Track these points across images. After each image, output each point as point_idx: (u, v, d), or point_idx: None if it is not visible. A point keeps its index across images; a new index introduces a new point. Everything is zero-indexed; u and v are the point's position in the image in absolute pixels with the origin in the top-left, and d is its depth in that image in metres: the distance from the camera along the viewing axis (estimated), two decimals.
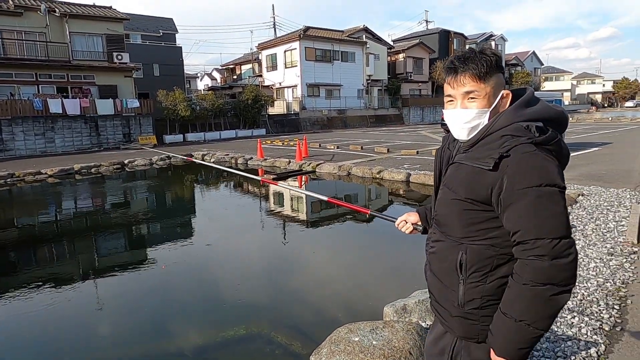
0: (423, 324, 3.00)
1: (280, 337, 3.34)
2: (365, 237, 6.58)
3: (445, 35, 44.77)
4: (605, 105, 72.60)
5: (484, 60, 1.23)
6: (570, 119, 34.51)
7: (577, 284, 3.54)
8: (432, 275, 1.39)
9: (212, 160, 15.95)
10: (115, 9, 25.04)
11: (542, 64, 70.11)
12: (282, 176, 11.35)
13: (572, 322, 2.93)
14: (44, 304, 4.24)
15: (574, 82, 73.81)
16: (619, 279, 3.64)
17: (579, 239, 4.69)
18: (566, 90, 66.33)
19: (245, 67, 44.01)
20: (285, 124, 31.62)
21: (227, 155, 15.90)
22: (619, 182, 7.90)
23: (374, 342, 2.52)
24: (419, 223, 1.67)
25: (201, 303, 4.20)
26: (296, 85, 33.56)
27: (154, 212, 8.97)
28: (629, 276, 3.70)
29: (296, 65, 33.31)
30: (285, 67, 34.41)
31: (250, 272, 5.08)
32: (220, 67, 52.70)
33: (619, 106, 67.42)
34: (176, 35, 35.70)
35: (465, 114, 1.26)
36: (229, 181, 12.93)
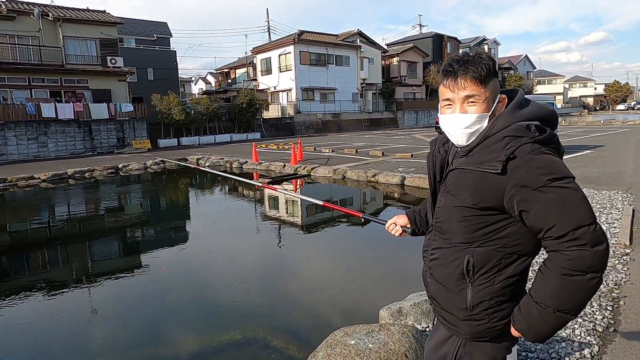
0: (419, 327, 3.01)
1: (276, 341, 3.34)
2: (360, 240, 6.59)
3: (438, 39, 45.09)
4: (597, 108, 73.34)
5: (483, 64, 1.23)
6: (563, 121, 34.89)
7: None
8: (435, 282, 1.37)
9: (207, 164, 15.92)
10: (109, 13, 24.99)
11: (535, 68, 70.78)
12: (277, 180, 11.35)
13: (575, 318, 2.95)
14: (40, 310, 4.21)
15: (566, 86, 74.59)
16: (612, 280, 3.68)
17: None
18: (558, 94, 66.98)
19: (239, 71, 44.02)
20: (280, 128, 31.64)
21: (222, 159, 15.87)
22: (611, 184, 7.98)
23: (370, 345, 2.52)
24: (408, 226, 1.68)
25: (197, 307, 4.18)
26: (291, 89, 33.62)
27: (148, 217, 8.93)
28: (622, 277, 3.74)
29: (291, 69, 33.38)
30: (280, 71, 34.47)
31: (246, 275, 5.07)
32: (215, 71, 52.69)
33: (610, 109, 68.11)
34: (170, 39, 35.70)
35: (465, 118, 1.25)
36: (224, 185, 12.90)
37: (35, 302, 4.45)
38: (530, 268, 1.31)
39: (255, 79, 37.38)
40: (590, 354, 2.61)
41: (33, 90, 21.52)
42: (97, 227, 8.06)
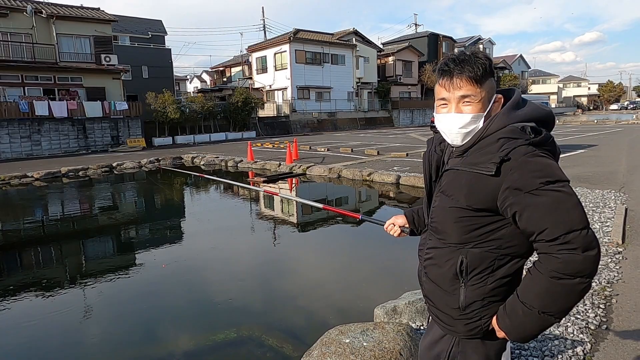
0: (413, 325, 3.03)
1: (271, 339, 3.34)
2: (355, 239, 6.60)
3: (434, 39, 45.22)
4: (591, 108, 73.85)
5: (479, 64, 1.21)
6: (557, 121, 35.05)
7: None
8: (430, 281, 1.37)
9: (201, 162, 15.86)
10: (103, 11, 24.84)
11: (529, 67, 71.16)
12: (273, 179, 11.33)
13: (559, 321, 2.97)
14: (35, 309, 4.18)
15: (560, 85, 75.03)
16: (605, 278, 3.71)
17: None
18: (553, 93, 67.40)
19: (235, 70, 43.93)
20: (276, 127, 31.60)
21: (217, 157, 15.83)
22: (604, 183, 8.04)
23: (365, 344, 2.53)
24: (407, 226, 1.68)
25: (192, 306, 4.17)
26: (286, 88, 33.59)
27: (142, 215, 8.89)
28: (614, 276, 3.78)
29: (286, 68, 33.35)
30: (275, 70, 34.42)
31: (241, 274, 5.06)
32: (210, 70, 52.56)
33: (604, 109, 68.61)
34: (165, 37, 35.52)
35: (460, 118, 1.24)
36: (219, 183, 12.87)
37: (30, 301, 4.42)
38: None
39: (251, 78, 37.30)
40: (583, 351, 2.64)
41: (26, 87, 21.36)
42: (90, 225, 8.01)
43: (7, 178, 12.72)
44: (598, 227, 5.23)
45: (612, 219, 5.49)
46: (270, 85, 35.10)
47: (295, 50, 33.30)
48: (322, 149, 16.69)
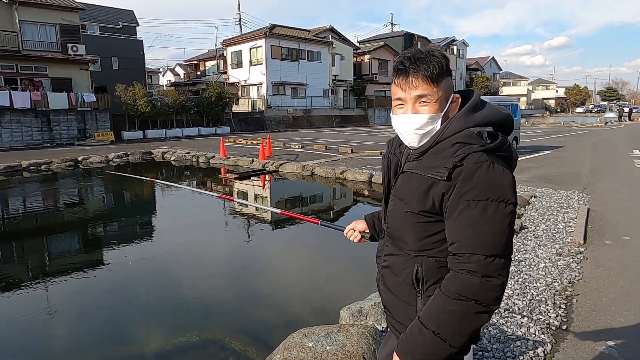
0: (379, 327, 2.99)
1: (234, 342, 3.24)
2: (324, 238, 6.55)
3: (409, 38, 45.76)
4: (558, 110, 76.36)
5: (435, 62, 1.15)
6: (526, 122, 36.11)
7: (527, 284, 3.65)
8: (387, 290, 1.32)
9: (172, 158, 15.49)
10: None
11: (501, 69, 72.98)
12: (245, 175, 11.16)
13: (522, 322, 3.00)
14: None
15: (530, 88, 77.20)
16: (566, 278, 3.79)
17: (531, 240, 4.86)
18: (523, 95, 69.24)
19: (209, 64, 43.10)
20: (250, 123, 31.23)
21: (189, 153, 15.49)
22: (568, 184, 8.29)
23: (328, 348, 2.47)
24: (367, 231, 1.62)
25: (155, 306, 4.02)
26: (262, 84, 33.24)
27: (107, 212, 8.57)
28: (575, 276, 3.86)
29: (262, 63, 32.99)
30: (251, 65, 34.00)
31: (207, 274, 4.93)
32: (184, 63, 51.40)
33: (570, 112, 71.08)
34: (137, 28, 34.42)
35: (416, 119, 1.18)
36: (191, 180, 12.58)
37: None
38: None
39: (226, 72, 36.70)
40: (544, 352, 2.66)
41: None
42: (51, 222, 7.66)
43: None
44: (562, 227, 5.36)
45: (575, 219, 5.64)
46: (245, 81, 34.64)
47: (271, 45, 32.96)
48: (297, 146, 16.58)
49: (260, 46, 33.01)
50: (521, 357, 2.62)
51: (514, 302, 3.29)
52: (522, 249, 4.55)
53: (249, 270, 5.19)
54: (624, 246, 4.70)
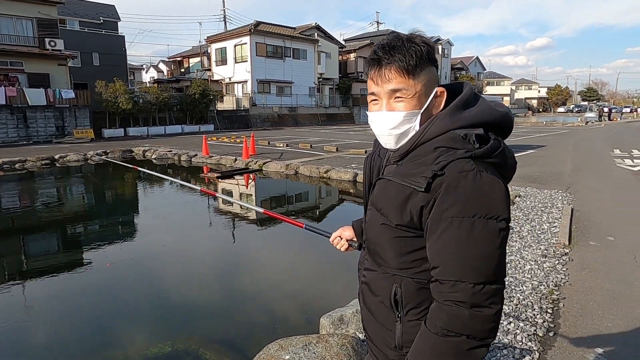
0: (360, 336, 2.85)
1: (208, 353, 3.06)
2: (307, 240, 6.40)
3: None
4: (540, 110, 77.60)
5: (413, 50, 0.98)
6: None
7: (513, 287, 3.55)
8: (366, 308, 1.17)
9: (153, 156, 15.14)
10: None
11: (485, 69, 73.79)
12: (227, 174, 10.93)
13: (508, 329, 2.90)
14: None
15: (513, 88, 78.28)
16: (552, 281, 3.71)
17: (516, 241, 4.78)
18: (506, 95, 70.15)
19: (193, 60, 42.51)
20: (235, 120, 30.86)
21: (170, 151, 15.15)
22: (552, 183, 8.29)
23: None
24: (354, 239, 1.46)
25: (124, 315, 3.81)
26: (246, 81, 32.87)
27: (84, 212, 8.25)
28: (561, 278, 3.78)
29: (246, 61, 32.61)
30: (236, 62, 33.59)
31: (182, 278, 4.72)
32: (168, 60, 50.59)
33: (552, 111, 72.33)
34: (118, 23, 33.73)
35: (391, 117, 1.03)
36: (176, 178, 12.27)
37: None
38: None
39: (210, 69, 36.20)
40: None
41: None
42: (22, 223, 7.33)
43: None
44: (547, 227, 5.31)
45: (560, 220, 5.59)
46: (230, 78, 34.20)
47: (256, 42, 32.60)
48: (281, 145, 16.38)
49: (245, 43, 32.62)
50: None
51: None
52: (508, 251, 4.46)
53: (227, 273, 5.00)
54: (608, 247, 4.66)
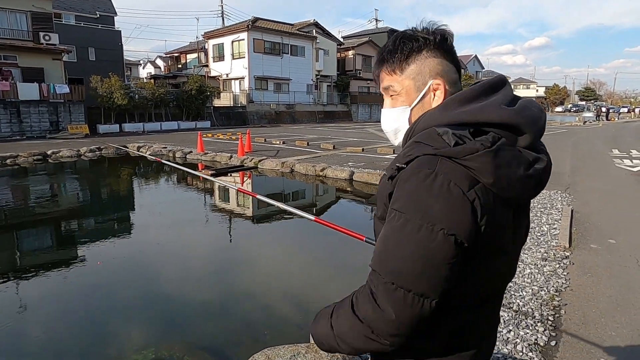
0: None
1: None
2: (304, 240, 6.26)
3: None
4: None
5: (400, 47, 0.96)
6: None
7: (512, 293, 3.42)
8: None
9: (147, 153, 14.94)
10: None
11: (483, 68, 73.74)
12: (222, 172, 10.76)
13: (508, 338, 2.76)
14: None
15: (512, 87, 78.22)
16: (553, 286, 3.57)
17: None
18: None
19: (190, 56, 42.16)
20: (232, 117, 30.65)
21: (165, 148, 14.95)
22: (551, 184, 8.16)
23: None
24: None
25: (108, 318, 3.66)
26: (244, 77, 32.62)
27: (76, 209, 8.08)
28: (562, 283, 3.65)
29: (244, 57, 32.35)
30: (233, 58, 33.32)
31: (173, 278, 4.57)
32: (165, 55, 50.16)
33: (550, 111, 72.32)
34: (115, 18, 33.38)
35: (385, 114, 1.05)
36: (170, 175, 12.12)
37: None
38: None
39: (207, 65, 35.92)
40: None
41: None
42: (9, 219, 7.16)
43: None
44: (546, 229, 5.18)
45: (559, 221, 5.47)
46: (227, 74, 33.93)
47: (254, 39, 32.34)
48: (278, 142, 16.21)
49: (243, 39, 32.36)
50: None
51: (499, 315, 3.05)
52: None
53: (221, 274, 4.85)
54: (610, 250, 4.53)
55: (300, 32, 35.65)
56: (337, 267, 4.94)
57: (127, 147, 15.76)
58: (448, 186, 0.79)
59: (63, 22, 27.90)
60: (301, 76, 35.71)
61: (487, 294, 0.93)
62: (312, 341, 2.72)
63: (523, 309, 3.16)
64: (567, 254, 4.38)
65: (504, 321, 2.96)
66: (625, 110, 61.93)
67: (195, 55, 40.56)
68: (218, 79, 34.28)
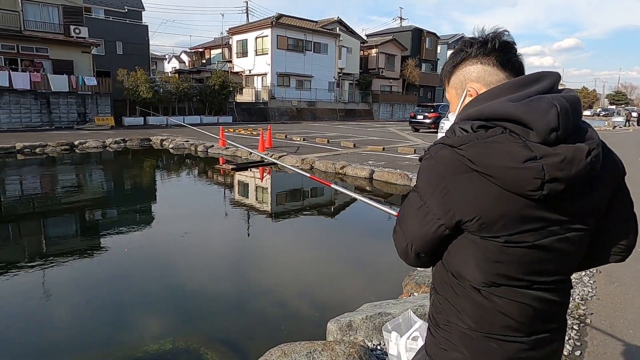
0: (369, 344, 2.68)
1: (209, 353, 2.94)
2: (323, 235, 6.24)
3: (418, 34, 44.94)
4: None
5: (451, 57, 1.08)
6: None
7: None
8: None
9: (170, 146, 15.19)
10: None
11: None
12: (242, 167, 10.85)
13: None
14: None
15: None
16: (579, 294, 3.46)
17: None
18: None
19: (214, 52, 42.64)
20: (253, 113, 30.86)
21: (187, 141, 15.18)
22: None
23: None
24: None
25: (129, 307, 3.73)
26: (266, 74, 32.78)
27: (98, 199, 8.27)
28: (588, 291, 3.53)
29: (267, 53, 32.49)
30: (256, 54, 33.51)
31: (193, 272, 4.62)
32: (189, 50, 50.89)
33: None
34: (143, 12, 33.98)
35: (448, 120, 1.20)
36: (192, 168, 12.30)
37: None
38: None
39: (230, 61, 36.25)
40: None
41: None
42: (36, 207, 7.38)
43: None
44: None
45: None
46: (249, 70, 34.17)
47: (277, 35, 32.45)
48: (298, 139, 16.24)
49: (267, 36, 32.50)
50: None
51: None
52: None
53: (240, 268, 4.89)
54: (638, 259, 4.35)
55: (323, 30, 35.60)
56: (358, 266, 4.91)
57: (151, 140, 16.03)
58: (434, 167, 0.94)
59: (93, 16, 28.54)
60: (323, 73, 35.66)
61: (506, 276, 0.93)
62: (328, 339, 2.71)
63: None
64: None
65: None
66: None
67: (219, 50, 40.98)
68: (241, 74, 34.55)
